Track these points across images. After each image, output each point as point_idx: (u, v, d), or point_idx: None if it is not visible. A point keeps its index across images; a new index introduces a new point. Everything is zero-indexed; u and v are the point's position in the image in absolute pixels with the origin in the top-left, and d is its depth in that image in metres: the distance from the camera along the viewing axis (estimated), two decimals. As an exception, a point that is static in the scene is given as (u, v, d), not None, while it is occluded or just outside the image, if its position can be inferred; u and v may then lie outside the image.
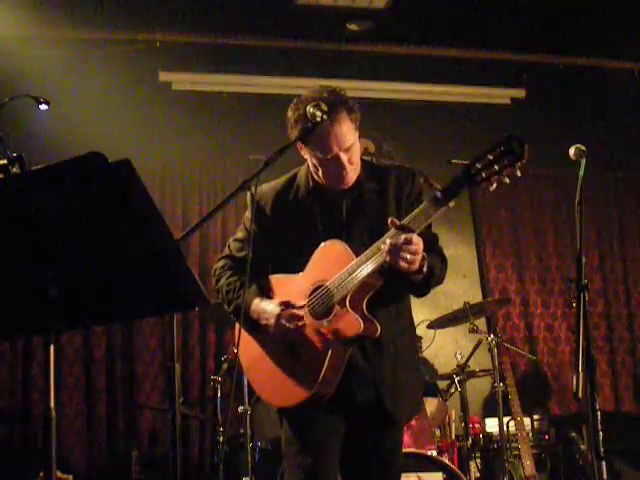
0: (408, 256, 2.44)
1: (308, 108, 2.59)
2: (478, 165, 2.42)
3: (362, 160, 2.78)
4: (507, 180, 2.41)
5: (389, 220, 2.50)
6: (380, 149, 5.99)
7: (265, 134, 6.03)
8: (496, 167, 2.40)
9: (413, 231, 2.46)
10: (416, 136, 6.51)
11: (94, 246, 1.86)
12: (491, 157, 2.40)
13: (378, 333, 2.58)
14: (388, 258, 2.46)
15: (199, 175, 6.39)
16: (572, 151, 2.72)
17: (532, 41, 6.34)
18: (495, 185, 2.44)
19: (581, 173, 2.68)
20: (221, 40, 6.16)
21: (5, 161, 2.48)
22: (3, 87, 5.14)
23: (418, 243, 2.46)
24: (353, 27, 6.07)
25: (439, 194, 2.46)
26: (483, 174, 2.42)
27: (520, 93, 6.78)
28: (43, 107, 4.49)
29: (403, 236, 2.44)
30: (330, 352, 2.59)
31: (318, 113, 2.56)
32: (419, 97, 6.63)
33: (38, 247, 1.88)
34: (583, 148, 2.71)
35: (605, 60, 6.65)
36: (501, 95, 6.80)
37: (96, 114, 5.88)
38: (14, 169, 2.46)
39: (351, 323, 2.57)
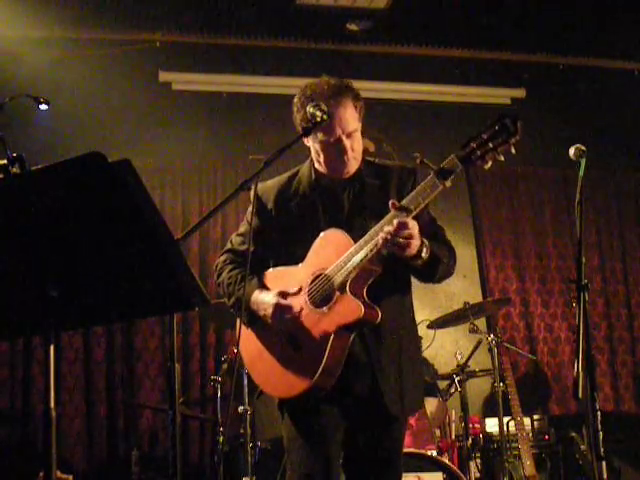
0: (401, 240, 2.45)
1: (308, 108, 2.62)
2: (473, 144, 2.47)
3: (366, 159, 2.81)
4: (502, 157, 2.45)
5: (390, 202, 2.53)
6: (380, 149, 6.00)
7: (265, 134, 6.04)
8: (490, 145, 2.45)
9: (411, 211, 2.49)
10: (416, 136, 6.51)
11: (94, 246, 1.86)
12: (485, 136, 2.46)
13: (379, 319, 2.58)
14: (379, 245, 2.48)
15: (199, 175, 6.38)
16: (572, 151, 2.72)
17: (532, 41, 6.35)
18: (490, 163, 2.47)
19: (581, 173, 2.68)
20: (221, 40, 6.16)
21: (5, 161, 2.48)
22: (3, 87, 5.14)
23: (413, 227, 2.48)
24: (353, 27, 6.07)
25: (434, 174, 2.48)
26: (478, 153, 2.46)
27: (520, 93, 6.78)
28: (43, 107, 4.49)
29: (396, 221, 2.46)
30: (331, 339, 2.58)
31: (318, 113, 2.59)
32: (419, 97, 6.64)
33: (38, 247, 1.88)
34: (583, 148, 2.71)
35: (605, 60, 6.65)
36: (501, 95, 6.80)
37: (96, 114, 5.88)
38: (14, 169, 2.46)
39: (352, 308, 2.57)
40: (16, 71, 5.53)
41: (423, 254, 2.55)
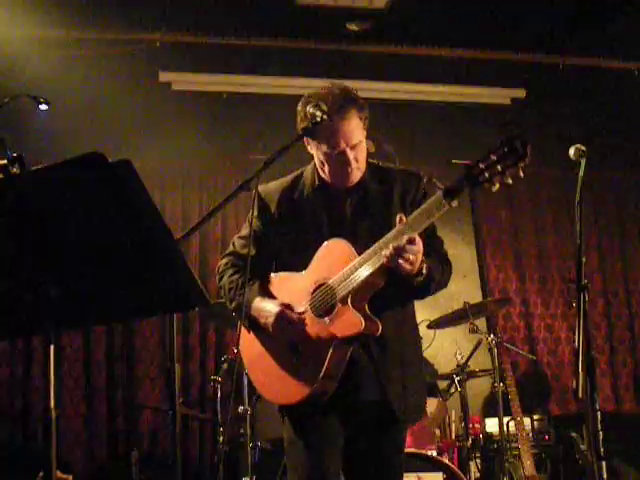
0: (411, 257, 2.45)
1: (308, 108, 2.62)
2: (481, 165, 2.41)
3: (369, 163, 2.80)
4: (510, 181, 2.40)
5: (397, 217, 2.51)
6: (380, 149, 5.99)
7: (265, 134, 6.04)
8: (499, 167, 2.38)
9: (415, 230, 2.47)
10: (416, 136, 6.51)
11: (94, 246, 1.86)
12: (494, 157, 2.39)
13: (379, 332, 2.58)
14: (386, 261, 2.46)
15: (199, 175, 6.39)
16: (572, 151, 2.72)
17: (532, 41, 6.34)
18: (498, 186, 2.42)
19: (581, 173, 2.68)
20: (221, 40, 6.15)
21: (5, 161, 2.48)
22: (3, 87, 5.14)
23: (419, 243, 2.47)
24: (353, 27, 6.06)
25: (441, 194, 2.46)
26: (486, 174, 2.40)
27: (520, 93, 6.77)
28: (43, 107, 4.50)
29: (406, 237, 2.44)
30: (331, 350, 2.59)
31: (318, 113, 2.59)
32: (419, 97, 6.63)
33: (38, 247, 1.88)
34: (583, 148, 2.70)
35: (605, 60, 6.64)
36: (501, 95, 6.80)
37: (96, 114, 5.88)
38: (14, 169, 2.45)
39: (352, 321, 2.57)
40: (16, 71, 5.52)
41: (423, 271, 2.55)
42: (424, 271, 2.55)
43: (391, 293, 2.65)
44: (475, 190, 2.45)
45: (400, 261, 2.45)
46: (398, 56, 6.43)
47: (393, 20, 5.97)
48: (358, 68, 6.19)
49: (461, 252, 6.51)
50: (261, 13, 5.83)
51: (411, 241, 2.44)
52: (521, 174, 2.39)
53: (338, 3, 5.75)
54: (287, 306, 2.69)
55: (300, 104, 2.72)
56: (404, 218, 2.50)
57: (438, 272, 2.67)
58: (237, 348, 2.77)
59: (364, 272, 2.55)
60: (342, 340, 2.60)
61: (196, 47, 6.19)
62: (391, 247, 2.45)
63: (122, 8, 5.65)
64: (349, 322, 2.58)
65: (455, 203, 2.45)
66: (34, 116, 4.90)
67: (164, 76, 6.24)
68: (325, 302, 2.65)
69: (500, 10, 5.81)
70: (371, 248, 2.55)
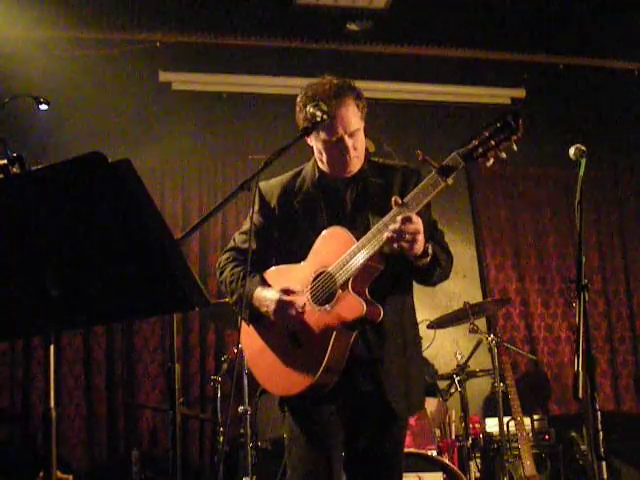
0: (408, 236, 2.45)
1: (308, 108, 2.63)
2: (475, 141, 2.46)
3: (370, 160, 2.82)
4: (504, 155, 2.45)
5: (393, 199, 2.52)
6: (380, 149, 5.99)
7: (265, 134, 6.04)
8: (492, 142, 2.44)
9: (413, 208, 2.49)
10: (416, 136, 6.51)
11: (94, 246, 1.86)
12: (487, 133, 2.45)
13: (381, 317, 2.58)
14: (387, 244, 2.47)
15: (199, 175, 6.38)
16: (572, 151, 2.72)
17: (532, 41, 6.35)
18: (492, 160, 2.47)
19: (581, 173, 2.68)
20: (221, 40, 6.16)
21: (5, 161, 2.48)
22: (3, 87, 5.15)
23: (417, 222, 2.47)
24: (353, 27, 6.07)
25: (436, 171, 2.48)
26: (480, 150, 2.46)
27: (520, 93, 6.78)
28: (43, 107, 4.50)
29: (400, 217, 2.45)
30: (333, 337, 2.58)
31: (318, 113, 2.60)
32: (419, 97, 6.64)
33: (38, 247, 1.88)
34: (583, 148, 2.71)
35: (605, 60, 6.65)
36: (501, 95, 6.80)
37: (96, 114, 5.88)
38: (14, 169, 2.46)
39: (353, 306, 2.57)
40: (16, 71, 5.53)
41: (429, 251, 2.56)
42: (429, 251, 2.56)
43: (391, 283, 2.65)
44: (469, 166, 2.49)
45: (402, 243, 2.45)
46: (398, 56, 6.44)
47: (393, 20, 5.98)
48: (358, 68, 6.19)
49: (461, 252, 6.51)
50: (261, 13, 5.84)
51: (407, 219, 2.44)
52: (514, 148, 2.44)
53: (338, 3, 5.76)
54: (286, 291, 2.68)
55: (299, 97, 2.73)
56: (399, 199, 2.52)
57: (443, 258, 2.67)
58: (238, 345, 2.77)
59: (363, 256, 2.55)
60: (344, 326, 2.59)
61: (196, 47, 6.20)
62: (390, 230, 2.46)
63: (122, 8, 5.66)
64: (350, 306, 2.57)
65: (450, 181, 2.48)
66: (34, 116, 4.90)
67: (164, 76, 6.24)
68: (325, 290, 2.65)
69: (500, 10, 5.82)
70: (369, 232, 2.57)
